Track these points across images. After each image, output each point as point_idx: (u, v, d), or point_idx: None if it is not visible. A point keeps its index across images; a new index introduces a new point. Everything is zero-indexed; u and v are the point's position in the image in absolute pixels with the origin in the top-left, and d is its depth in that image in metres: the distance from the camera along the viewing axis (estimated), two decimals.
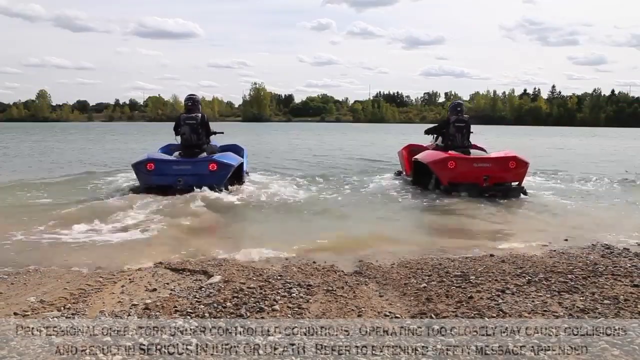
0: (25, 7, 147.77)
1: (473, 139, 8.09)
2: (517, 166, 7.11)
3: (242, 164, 8.05)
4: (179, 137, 7.62)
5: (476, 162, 7.21)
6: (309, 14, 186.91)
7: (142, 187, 7.05)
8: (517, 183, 7.24)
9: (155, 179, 6.94)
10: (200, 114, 7.57)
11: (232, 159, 7.54)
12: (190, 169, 7.04)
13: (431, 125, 8.61)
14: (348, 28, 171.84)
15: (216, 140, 8.15)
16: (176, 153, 7.62)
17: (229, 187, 7.38)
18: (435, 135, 8.28)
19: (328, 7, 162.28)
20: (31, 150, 17.26)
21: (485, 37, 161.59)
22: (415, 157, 7.93)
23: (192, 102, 7.64)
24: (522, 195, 7.17)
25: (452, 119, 7.88)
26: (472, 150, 7.87)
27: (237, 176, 7.78)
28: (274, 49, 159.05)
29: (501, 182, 7.18)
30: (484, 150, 8.04)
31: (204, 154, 7.43)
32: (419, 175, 7.93)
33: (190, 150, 7.41)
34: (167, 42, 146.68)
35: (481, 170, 7.05)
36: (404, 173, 9.15)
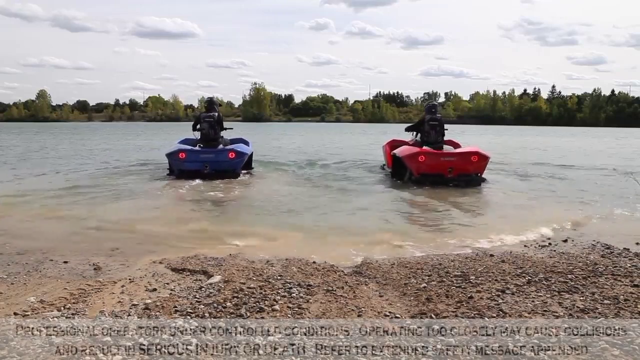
0: (22, 7, 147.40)
1: (450, 136, 9.26)
2: (479, 160, 8.27)
3: (252, 153, 9.93)
4: (196, 133, 9.23)
5: (443, 156, 8.34)
6: (308, 13, 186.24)
7: (176, 172, 8.79)
8: (479, 174, 8.39)
9: (187, 164, 8.64)
10: (217, 113, 9.19)
11: (245, 149, 9.37)
12: (213, 157, 8.72)
13: (411, 124, 9.54)
14: (346, 28, 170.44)
15: (225, 135, 9.61)
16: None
17: (242, 172, 9.15)
18: (415, 133, 9.22)
19: (326, 7, 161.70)
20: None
21: (484, 37, 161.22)
22: (393, 151, 9.05)
23: (210, 102, 9.45)
24: (482, 184, 8.32)
25: (427, 118, 8.83)
26: (445, 146, 8.90)
27: (247, 163, 9.51)
28: (273, 49, 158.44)
29: (465, 173, 8.23)
30: (459, 146, 9.18)
31: (220, 146, 9.10)
32: (397, 167, 8.95)
33: (209, 143, 9.03)
34: (165, 42, 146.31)
35: (447, 163, 8.17)
36: (386, 166, 10.05)
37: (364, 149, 18.46)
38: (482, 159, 8.31)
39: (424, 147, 8.46)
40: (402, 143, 9.62)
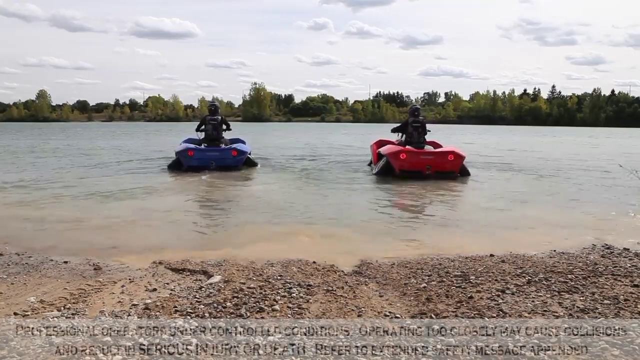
0: (21, 7, 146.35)
1: (432, 137, 10.13)
2: (455, 158, 9.09)
3: (250, 152, 10.97)
4: (199, 133, 10.44)
5: (422, 155, 9.16)
6: (306, 13, 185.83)
7: (185, 168, 9.87)
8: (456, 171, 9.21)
9: (195, 161, 9.80)
10: (220, 116, 10.46)
11: (246, 147, 10.64)
12: (218, 155, 9.94)
13: (397, 125, 10.26)
14: (345, 28, 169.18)
15: (225, 135, 10.62)
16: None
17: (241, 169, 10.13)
18: (400, 133, 9.99)
19: (324, 7, 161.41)
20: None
21: (483, 37, 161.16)
22: (379, 150, 9.99)
23: (214, 107, 10.63)
24: (464, 178, 9.18)
25: (410, 120, 9.71)
26: (427, 146, 9.76)
27: (245, 162, 10.41)
28: (272, 49, 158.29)
29: (442, 170, 9.01)
30: (440, 146, 10.10)
31: (223, 145, 10.30)
32: (386, 165, 9.50)
33: (213, 142, 10.26)
34: (165, 42, 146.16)
35: (425, 161, 9.02)
36: (373, 163, 10.72)
37: (360, 148, 18.47)
38: (458, 158, 9.12)
39: (406, 147, 9.32)
40: (388, 142, 10.40)
